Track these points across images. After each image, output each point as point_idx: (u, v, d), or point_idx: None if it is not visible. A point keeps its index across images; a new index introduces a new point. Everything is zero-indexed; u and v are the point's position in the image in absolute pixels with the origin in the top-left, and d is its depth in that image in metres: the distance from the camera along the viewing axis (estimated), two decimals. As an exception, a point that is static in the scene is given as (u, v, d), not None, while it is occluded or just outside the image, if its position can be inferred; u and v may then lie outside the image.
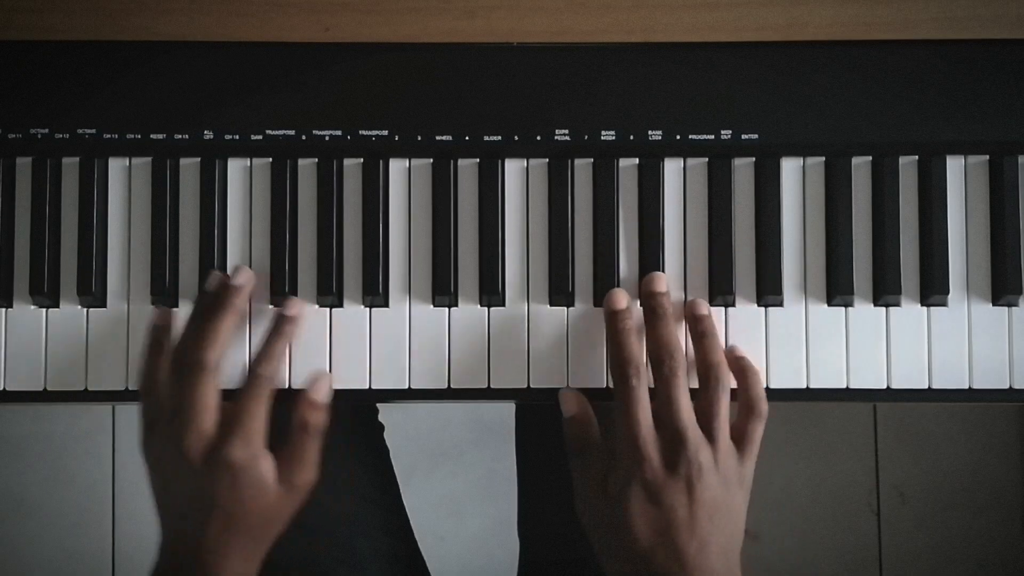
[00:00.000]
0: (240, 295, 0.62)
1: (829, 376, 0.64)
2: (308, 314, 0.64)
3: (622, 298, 0.62)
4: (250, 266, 0.65)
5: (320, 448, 0.62)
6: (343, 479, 0.77)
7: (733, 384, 0.62)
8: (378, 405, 0.85)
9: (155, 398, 0.61)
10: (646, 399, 0.59)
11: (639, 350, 0.61)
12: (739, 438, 0.61)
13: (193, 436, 0.59)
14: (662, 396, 0.59)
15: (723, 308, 0.65)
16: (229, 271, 0.65)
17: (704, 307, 0.63)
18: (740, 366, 0.62)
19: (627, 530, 0.58)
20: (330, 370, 0.64)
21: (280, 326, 0.63)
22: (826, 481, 1.40)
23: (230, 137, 0.64)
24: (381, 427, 0.85)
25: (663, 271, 0.65)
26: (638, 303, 0.63)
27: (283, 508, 0.61)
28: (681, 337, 0.63)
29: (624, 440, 0.59)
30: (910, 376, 0.64)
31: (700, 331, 0.62)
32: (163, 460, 0.61)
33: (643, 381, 0.60)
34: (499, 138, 0.65)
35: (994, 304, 0.65)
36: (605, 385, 0.64)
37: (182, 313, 0.64)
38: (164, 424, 0.60)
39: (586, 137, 0.64)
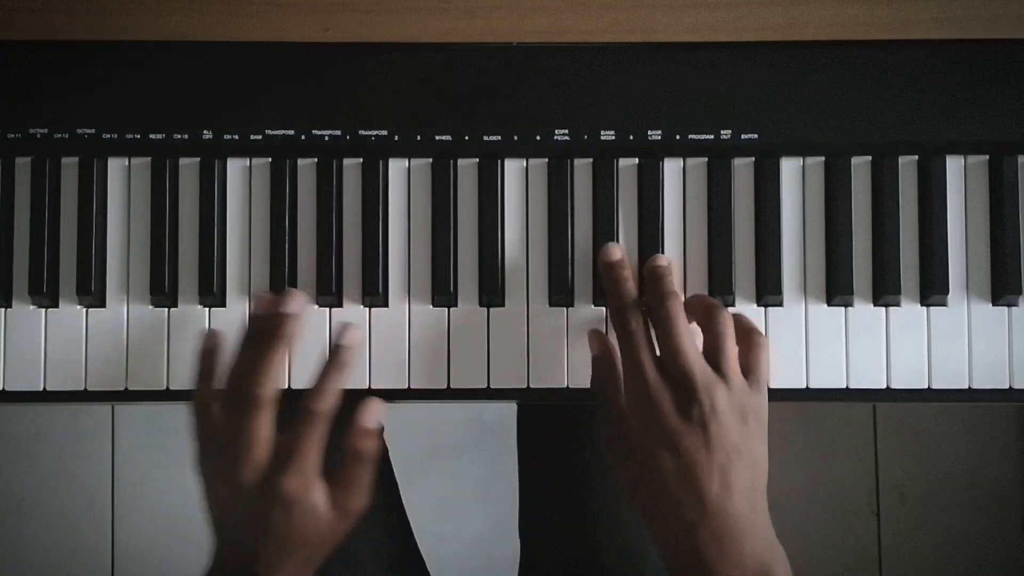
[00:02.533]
0: (294, 323, 0.60)
1: (829, 376, 0.64)
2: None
3: (616, 250, 0.63)
4: (249, 266, 0.65)
5: (372, 473, 0.61)
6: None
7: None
8: (378, 405, 0.85)
9: (208, 424, 0.61)
10: (649, 344, 0.59)
11: (635, 297, 0.61)
12: (745, 367, 0.59)
13: (247, 468, 0.58)
14: (664, 340, 0.58)
15: (723, 308, 0.65)
16: (228, 272, 0.65)
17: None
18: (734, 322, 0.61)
19: (648, 476, 0.57)
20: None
21: (337, 358, 0.61)
22: (826, 481, 1.40)
23: (229, 137, 0.64)
24: (380, 427, 0.85)
25: (663, 271, 0.65)
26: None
27: (336, 532, 0.61)
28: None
29: (633, 389, 0.58)
30: (910, 376, 0.64)
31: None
32: (217, 484, 0.60)
33: (642, 326, 0.59)
34: (499, 138, 0.65)
35: (994, 304, 0.65)
36: (605, 385, 0.64)
37: (181, 311, 0.64)
38: (218, 450, 0.60)
39: (586, 137, 0.64)
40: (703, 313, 0.60)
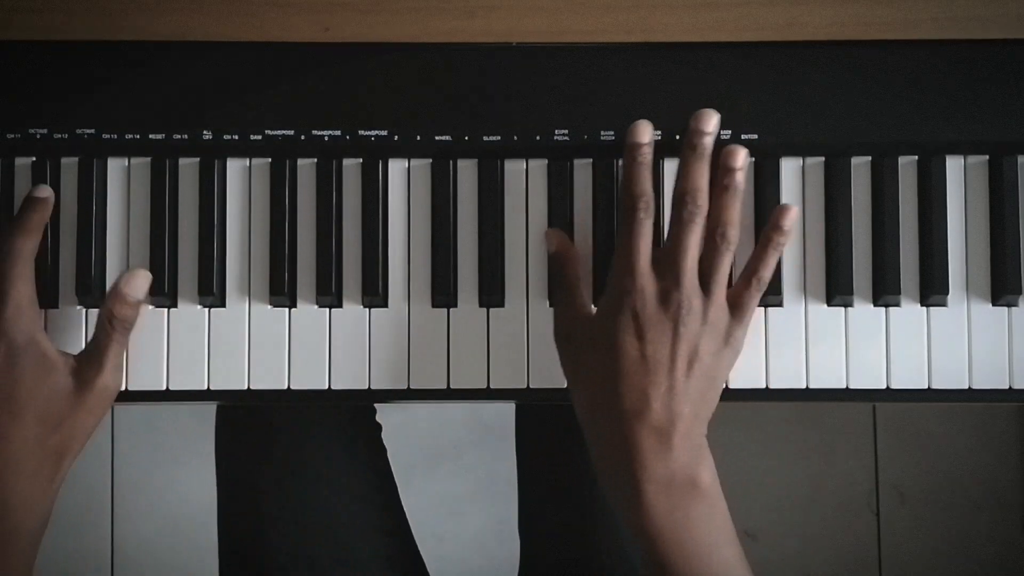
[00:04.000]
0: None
1: (829, 376, 0.64)
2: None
3: (646, 131, 0.61)
4: (249, 266, 0.65)
5: (122, 347, 0.62)
6: (341, 480, 0.77)
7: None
8: (376, 405, 0.85)
9: None
10: (649, 234, 0.59)
11: (650, 186, 0.61)
12: (734, 302, 0.60)
13: None
14: (673, 237, 0.59)
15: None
16: (228, 272, 0.65)
17: (739, 159, 0.61)
18: (765, 238, 0.61)
19: (603, 358, 0.58)
20: (329, 370, 0.64)
21: (30, 205, 0.63)
22: (826, 481, 1.41)
23: (229, 137, 0.64)
24: (379, 427, 0.85)
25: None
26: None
27: (76, 408, 0.59)
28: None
29: (620, 269, 0.59)
30: (910, 376, 0.64)
31: (725, 184, 0.60)
32: None
33: (650, 216, 0.60)
34: (498, 138, 0.65)
35: (994, 304, 0.65)
36: (605, 385, 0.64)
37: (180, 311, 0.64)
38: None
39: (585, 137, 0.64)
40: (714, 229, 0.60)
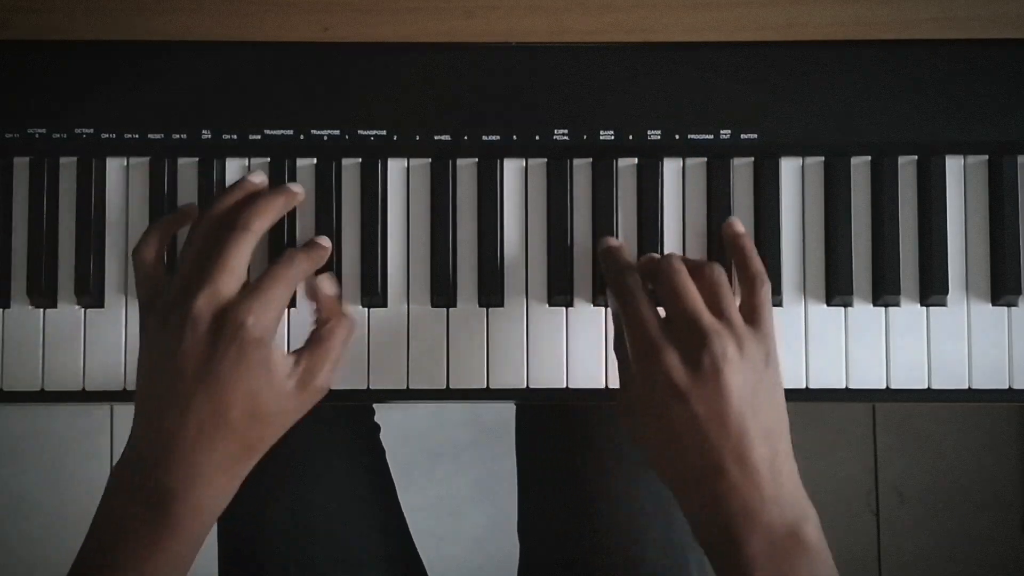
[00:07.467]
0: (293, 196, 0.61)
1: (828, 376, 0.64)
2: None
3: (613, 239, 0.63)
4: (248, 266, 0.65)
5: (340, 353, 0.58)
6: (340, 480, 0.77)
7: None
8: (375, 406, 0.85)
9: (183, 257, 0.57)
10: (648, 301, 0.57)
11: (631, 260, 0.60)
12: (748, 313, 0.57)
13: (208, 292, 0.54)
14: (667, 289, 0.57)
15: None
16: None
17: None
18: (736, 244, 0.61)
19: (663, 435, 0.55)
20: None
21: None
22: (825, 481, 1.40)
23: (228, 137, 0.64)
24: (377, 428, 0.85)
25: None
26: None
27: (286, 406, 0.57)
28: None
29: (636, 345, 0.56)
30: (910, 376, 0.64)
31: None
32: (166, 324, 0.55)
33: (639, 282, 0.58)
34: (498, 138, 0.64)
35: (993, 304, 0.65)
36: (604, 386, 0.64)
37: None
38: (179, 286, 0.56)
39: (585, 137, 0.64)
40: (695, 270, 0.58)
